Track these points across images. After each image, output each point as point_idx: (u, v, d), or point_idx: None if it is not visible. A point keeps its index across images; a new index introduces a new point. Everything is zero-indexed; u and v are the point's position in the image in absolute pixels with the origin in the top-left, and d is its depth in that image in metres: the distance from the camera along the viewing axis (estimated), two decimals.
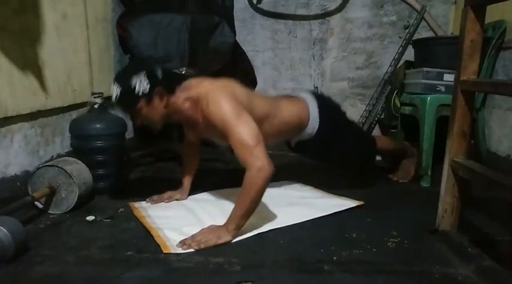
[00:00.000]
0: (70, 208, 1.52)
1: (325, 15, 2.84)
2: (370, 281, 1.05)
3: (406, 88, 2.27)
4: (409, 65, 2.45)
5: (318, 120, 1.64)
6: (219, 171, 2.11)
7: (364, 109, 2.82)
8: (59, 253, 1.19)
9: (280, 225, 1.39)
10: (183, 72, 1.96)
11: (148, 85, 1.33)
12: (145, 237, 1.30)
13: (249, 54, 2.47)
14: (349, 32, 2.84)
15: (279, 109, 1.56)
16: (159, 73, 1.38)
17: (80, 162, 1.62)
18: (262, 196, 1.26)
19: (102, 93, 1.81)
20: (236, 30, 2.18)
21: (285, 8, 2.85)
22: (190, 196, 1.69)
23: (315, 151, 1.77)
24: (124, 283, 1.04)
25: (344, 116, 1.80)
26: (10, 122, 1.60)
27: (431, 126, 1.92)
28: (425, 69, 2.03)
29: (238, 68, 2.26)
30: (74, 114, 2.05)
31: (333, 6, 2.82)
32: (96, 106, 1.77)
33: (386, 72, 2.72)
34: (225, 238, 1.24)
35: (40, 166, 1.55)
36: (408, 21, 2.75)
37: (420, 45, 2.28)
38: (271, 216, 1.45)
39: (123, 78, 1.36)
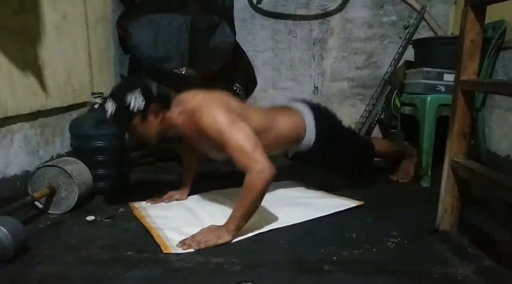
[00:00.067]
0: (70, 208, 1.52)
1: (325, 15, 2.84)
2: (370, 281, 1.05)
3: (406, 88, 2.27)
4: (409, 65, 2.45)
5: (315, 132, 1.63)
6: (219, 171, 2.11)
7: (364, 109, 2.82)
8: (59, 253, 1.19)
9: (280, 225, 1.39)
10: (183, 72, 1.96)
11: (144, 102, 1.33)
12: (145, 237, 1.31)
13: (249, 54, 2.46)
14: (349, 32, 2.83)
15: (276, 122, 1.55)
16: (154, 90, 1.38)
17: (80, 162, 1.62)
18: (262, 198, 1.26)
19: (102, 93, 1.81)
20: (236, 30, 2.17)
21: (285, 8, 2.85)
22: (190, 196, 1.70)
23: (312, 161, 1.76)
24: (124, 283, 1.04)
25: (340, 125, 1.80)
26: (10, 122, 1.60)
27: (431, 126, 1.92)
28: (425, 69, 2.03)
29: (238, 67, 2.26)
30: (74, 114, 2.06)
31: (333, 6, 2.82)
32: (96, 106, 1.77)
33: (386, 72, 2.72)
34: (225, 238, 1.24)
35: (40, 166, 1.55)
36: (408, 21, 2.75)
37: (420, 45, 2.28)
38: (271, 216, 1.45)
39: (118, 94, 1.36)
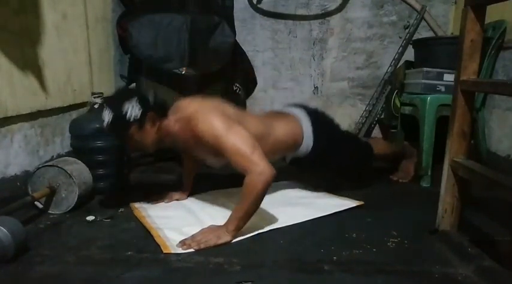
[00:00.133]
0: (70, 208, 1.52)
1: (325, 15, 2.84)
2: (370, 281, 1.05)
3: (406, 88, 2.27)
4: (409, 65, 2.45)
5: (312, 138, 1.62)
6: (219, 172, 2.11)
7: (364, 109, 2.82)
8: (59, 253, 1.19)
9: (280, 225, 1.39)
10: (183, 72, 1.96)
11: (140, 111, 1.33)
12: (145, 237, 1.31)
13: (249, 54, 2.46)
14: (349, 32, 2.84)
15: (273, 128, 1.53)
16: (151, 98, 1.38)
17: (80, 162, 1.62)
18: (262, 200, 1.26)
19: (102, 93, 1.81)
20: (236, 30, 2.17)
21: (285, 8, 2.85)
22: (190, 197, 1.70)
23: (311, 167, 1.76)
24: (124, 283, 1.04)
25: (338, 130, 1.79)
26: (10, 122, 1.60)
27: (431, 126, 1.92)
28: (425, 69, 2.03)
29: (238, 67, 2.26)
30: (74, 114, 2.06)
31: (333, 6, 2.82)
32: (96, 106, 1.77)
33: (386, 72, 2.72)
34: (225, 238, 1.24)
35: (40, 166, 1.55)
36: (408, 21, 2.75)
37: (420, 45, 2.28)
38: (271, 216, 1.45)
39: (114, 103, 1.35)
